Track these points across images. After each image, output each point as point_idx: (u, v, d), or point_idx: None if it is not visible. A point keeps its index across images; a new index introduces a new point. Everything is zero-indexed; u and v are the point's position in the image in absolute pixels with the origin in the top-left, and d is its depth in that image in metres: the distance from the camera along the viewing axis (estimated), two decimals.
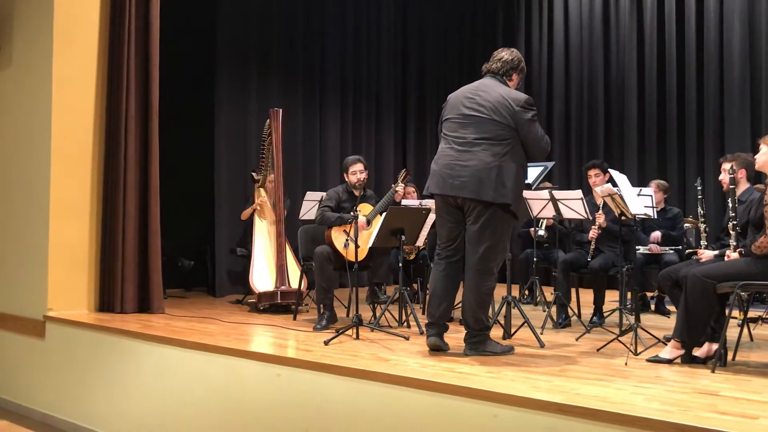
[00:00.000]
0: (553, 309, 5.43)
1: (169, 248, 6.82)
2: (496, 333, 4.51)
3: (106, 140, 5.76)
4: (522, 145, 3.93)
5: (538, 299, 6.72)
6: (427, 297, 4.18)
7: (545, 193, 5.51)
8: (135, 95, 5.74)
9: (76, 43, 5.62)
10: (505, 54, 4.11)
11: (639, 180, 8.08)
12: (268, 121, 6.50)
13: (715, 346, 3.77)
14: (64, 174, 5.50)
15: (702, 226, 4.73)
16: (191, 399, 4.24)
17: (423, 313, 5.63)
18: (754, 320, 5.11)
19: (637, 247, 5.73)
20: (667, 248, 5.92)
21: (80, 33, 5.65)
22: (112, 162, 5.71)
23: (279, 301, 5.98)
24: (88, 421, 4.85)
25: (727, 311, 3.74)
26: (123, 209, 5.65)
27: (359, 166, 5.50)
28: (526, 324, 4.51)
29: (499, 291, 4.31)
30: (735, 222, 3.98)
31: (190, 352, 4.31)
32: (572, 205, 5.33)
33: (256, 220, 6.63)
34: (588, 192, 5.68)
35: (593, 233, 5.38)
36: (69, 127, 5.55)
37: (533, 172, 4.46)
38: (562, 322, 5.27)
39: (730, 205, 4.04)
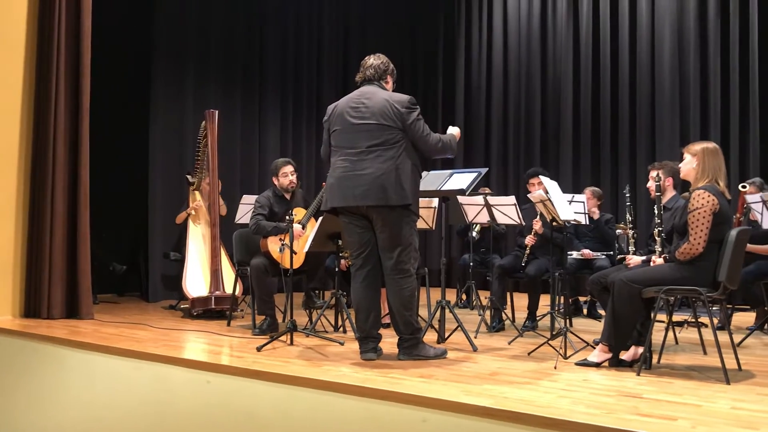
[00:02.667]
0: (488, 313, 5.48)
1: (100, 252, 6.66)
2: (430, 337, 4.53)
3: (34, 141, 5.59)
4: (412, 145, 3.98)
5: (474, 303, 6.78)
6: (352, 313, 4.16)
7: (480, 199, 5.58)
8: (65, 95, 5.59)
9: (1, 41, 5.42)
10: (373, 60, 4.16)
11: (573, 186, 8.26)
12: (204, 122, 6.40)
13: (641, 350, 3.86)
14: None
15: (630, 232, 4.85)
16: (119, 407, 4.13)
17: None
18: (679, 324, 5.25)
19: (570, 252, 5.86)
20: (599, 254, 6.05)
21: (5, 30, 5.47)
22: (40, 163, 5.54)
23: (213, 306, 5.88)
24: None
25: (652, 315, 3.84)
26: (51, 211, 5.49)
27: (290, 168, 5.44)
28: (459, 328, 4.55)
29: (435, 295, 4.33)
30: (660, 228, 4.09)
31: (118, 359, 4.20)
32: (506, 210, 5.41)
33: (191, 223, 6.51)
34: (522, 199, 5.75)
35: (530, 240, 5.45)
36: None
37: (467, 178, 4.50)
38: (496, 326, 5.33)
39: (656, 212, 4.15)
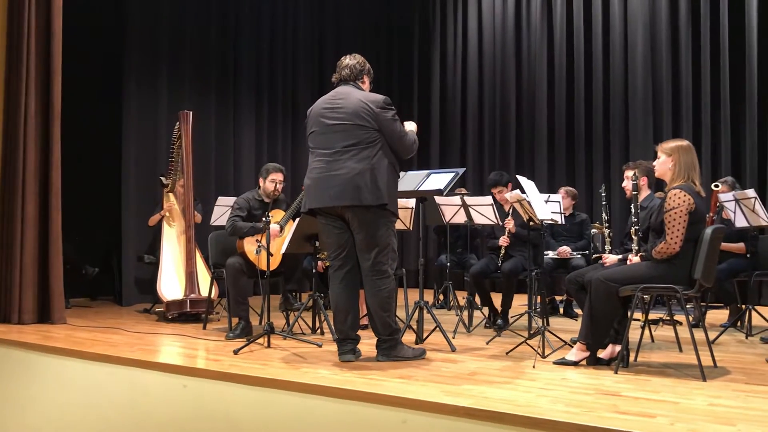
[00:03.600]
0: (465, 313, 5.49)
1: (73, 255, 6.55)
2: (408, 338, 4.52)
3: (3, 142, 5.49)
4: (389, 145, 3.97)
5: (451, 304, 6.79)
6: (330, 314, 4.13)
7: (457, 199, 5.58)
8: (35, 95, 5.50)
9: None
10: (348, 60, 4.14)
11: (549, 186, 8.30)
12: (177, 123, 6.32)
13: (618, 348, 3.89)
14: None
15: (606, 232, 4.89)
16: (93, 413, 4.06)
17: None
18: (655, 322, 5.31)
19: (546, 251, 5.88)
20: (575, 253, 6.09)
21: None
22: (10, 165, 5.45)
23: (188, 309, 5.80)
24: None
25: (629, 314, 3.87)
26: (21, 214, 5.40)
27: (280, 176, 5.36)
28: (438, 328, 4.54)
29: (412, 296, 4.32)
30: (637, 227, 4.12)
31: (92, 363, 4.14)
32: (483, 210, 5.42)
33: (165, 226, 6.42)
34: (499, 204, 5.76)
35: (504, 241, 5.46)
36: None
37: (444, 179, 4.49)
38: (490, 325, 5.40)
39: (633, 211, 4.19)
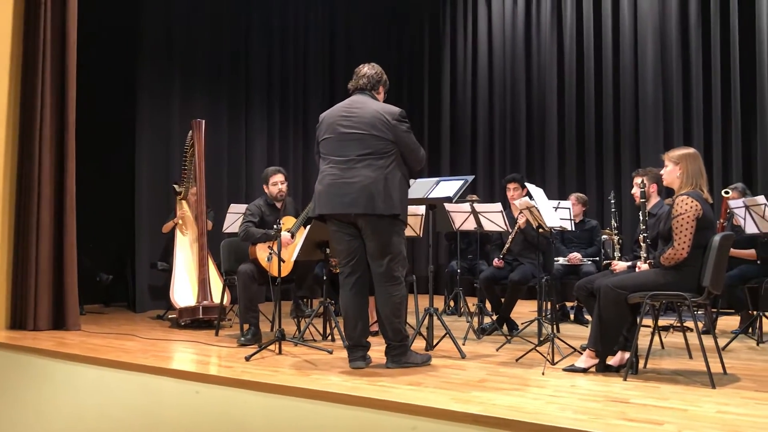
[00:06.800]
0: (476, 320, 5.51)
1: (87, 262, 6.63)
2: (418, 344, 4.55)
3: (20, 151, 5.57)
4: (402, 157, 4.00)
5: (462, 310, 6.81)
6: (341, 321, 4.16)
7: (466, 206, 5.61)
8: (50, 105, 5.58)
9: None
10: (367, 69, 4.16)
11: (559, 193, 8.31)
12: (190, 132, 6.39)
13: (627, 355, 3.89)
14: None
15: (616, 238, 4.90)
16: (107, 419, 4.11)
17: None
18: (665, 329, 5.30)
19: (556, 258, 5.89)
20: (585, 259, 6.10)
21: None
22: (26, 175, 5.53)
23: (201, 316, 5.86)
24: None
25: (638, 320, 3.88)
26: (37, 222, 5.47)
27: (280, 177, 5.42)
28: (447, 335, 4.57)
29: (423, 302, 4.34)
30: (646, 234, 4.13)
31: (106, 370, 4.18)
32: (492, 217, 5.44)
33: (178, 233, 6.49)
34: (507, 206, 5.78)
35: (498, 263, 5.51)
36: None
37: (453, 186, 4.53)
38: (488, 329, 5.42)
39: (642, 218, 4.20)
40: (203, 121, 6.39)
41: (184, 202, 6.62)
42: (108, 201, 7.45)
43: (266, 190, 5.45)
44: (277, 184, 5.38)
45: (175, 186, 6.71)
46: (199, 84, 8.08)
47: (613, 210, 4.94)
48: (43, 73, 5.53)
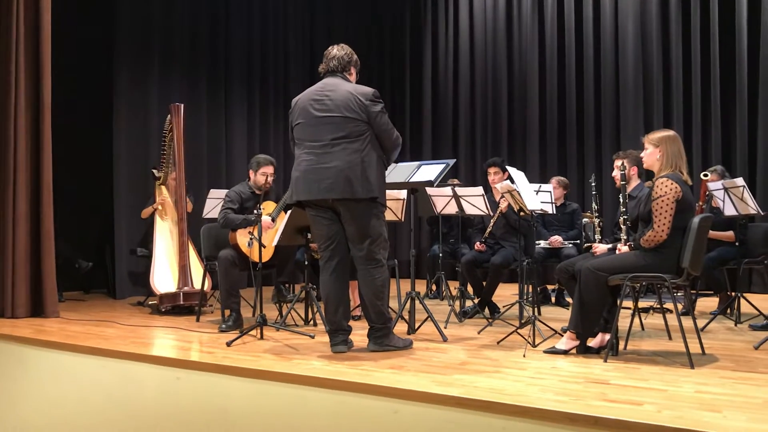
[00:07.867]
0: (457, 303, 5.52)
1: (66, 249, 6.55)
2: (400, 328, 4.55)
3: None
4: (377, 138, 3.98)
5: (443, 294, 6.82)
6: (322, 305, 4.15)
7: (448, 190, 5.60)
8: (25, 90, 5.49)
9: None
10: (336, 51, 4.12)
11: (540, 176, 8.33)
12: (168, 116, 6.31)
13: (607, 336, 3.93)
14: None
15: (596, 221, 4.92)
16: (87, 406, 4.08)
17: None
18: (645, 310, 5.35)
19: (537, 241, 5.91)
20: (566, 242, 6.12)
21: None
22: (1, 160, 5.43)
23: (181, 302, 5.83)
24: None
25: (618, 302, 3.90)
26: (13, 209, 5.41)
27: (270, 169, 5.35)
28: (429, 319, 4.57)
29: (405, 286, 4.34)
30: (626, 217, 4.14)
31: (85, 357, 4.15)
32: (474, 201, 5.44)
33: (158, 219, 6.43)
34: (488, 190, 5.79)
35: (479, 247, 5.51)
36: None
37: (435, 170, 4.51)
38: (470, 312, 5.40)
39: (621, 200, 4.21)
40: (182, 105, 6.31)
41: (163, 187, 6.56)
42: (86, 187, 7.36)
43: (251, 177, 5.39)
44: (266, 174, 5.32)
45: (154, 171, 6.64)
46: (177, 67, 7.97)
47: (593, 193, 4.95)
48: (17, 58, 5.43)
